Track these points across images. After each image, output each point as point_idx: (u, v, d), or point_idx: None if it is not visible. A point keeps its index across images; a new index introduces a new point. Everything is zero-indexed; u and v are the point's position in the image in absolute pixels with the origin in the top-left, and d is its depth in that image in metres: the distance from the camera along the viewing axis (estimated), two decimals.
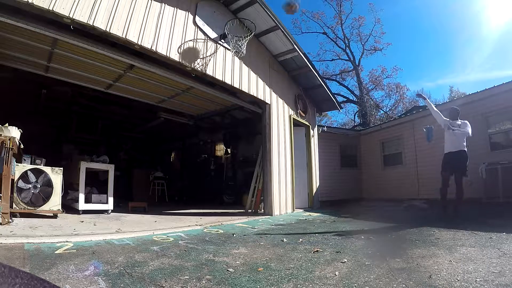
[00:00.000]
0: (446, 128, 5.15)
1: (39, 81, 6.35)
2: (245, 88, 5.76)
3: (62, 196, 4.26)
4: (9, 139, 3.37)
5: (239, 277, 1.84)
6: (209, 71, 4.98)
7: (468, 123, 5.17)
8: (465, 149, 4.95)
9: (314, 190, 7.82)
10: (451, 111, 5.45)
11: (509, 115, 6.99)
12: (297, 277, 1.82)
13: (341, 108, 10.05)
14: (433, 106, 5.54)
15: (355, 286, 1.65)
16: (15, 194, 3.72)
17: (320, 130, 8.89)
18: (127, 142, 11.72)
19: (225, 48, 5.33)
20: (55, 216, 4.18)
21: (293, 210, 6.60)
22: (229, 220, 4.90)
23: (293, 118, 7.18)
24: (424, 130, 8.31)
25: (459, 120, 5.21)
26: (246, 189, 7.17)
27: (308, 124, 7.95)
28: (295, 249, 2.68)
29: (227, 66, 5.39)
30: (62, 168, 4.31)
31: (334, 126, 22.13)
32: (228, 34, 5.04)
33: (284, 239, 3.18)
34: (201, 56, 4.86)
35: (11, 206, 3.57)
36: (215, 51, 5.15)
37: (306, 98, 8.03)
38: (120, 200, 6.58)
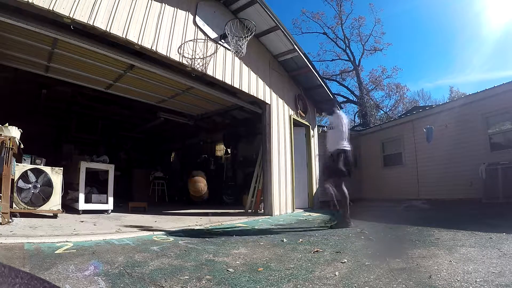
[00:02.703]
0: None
1: (39, 81, 6.35)
2: (245, 88, 5.76)
3: (62, 196, 4.26)
4: (9, 139, 3.37)
5: (239, 277, 1.84)
6: (209, 71, 4.98)
7: (340, 114, 4.22)
8: (341, 147, 3.99)
9: (314, 190, 7.81)
10: (325, 104, 4.63)
11: (509, 115, 6.99)
12: (297, 277, 1.82)
13: (341, 108, 10.04)
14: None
15: (355, 286, 1.65)
16: (15, 194, 3.72)
17: (320, 130, 8.88)
18: (127, 142, 11.72)
19: (225, 48, 5.33)
20: (55, 216, 4.17)
21: (293, 210, 6.60)
22: (229, 220, 4.90)
23: (293, 118, 7.18)
24: (425, 130, 8.29)
25: (335, 112, 4.32)
26: (246, 189, 7.17)
27: (308, 124, 7.94)
28: (295, 249, 2.68)
29: (227, 66, 5.39)
30: (62, 168, 4.31)
31: None
32: (228, 34, 5.03)
33: (284, 239, 3.18)
34: (201, 56, 4.86)
35: (11, 206, 3.57)
36: (215, 51, 5.15)
37: (306, 98, 8.02)
38: (120, 200, 6.58)
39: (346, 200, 3.89)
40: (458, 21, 32.57)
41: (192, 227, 4.08)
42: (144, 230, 3.67)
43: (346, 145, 4.01)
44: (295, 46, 6.36)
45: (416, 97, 26.08)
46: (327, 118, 4.25)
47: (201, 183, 4.26)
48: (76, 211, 4.91)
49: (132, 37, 3.85)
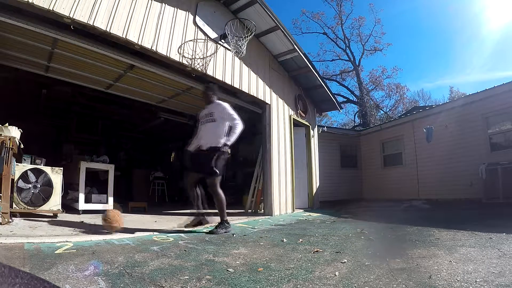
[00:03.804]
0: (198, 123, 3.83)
1: (39, 81, 6.34)
2: (245, 88, 5.76)
3: (62, 196, 4.26)
4: (9, 139, 3.37)
5: (239, 277, 1.84)
6: (209, 71, 4.98)
7: (225, 106, 3.79)
8: (219, 145, 3.60)
9: (314, 190, 7.81)
10: (202, 91, 3.98)
11: (509, 115, 7.00)
12: (297, 277, 1.82)
13: (341, 108, 10.06)
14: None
15: (355, 286, 1.65)
16: (15, 194, 3.72)
17: (320, 130, 8.89)
18: (127, 142, 11.72)
19: (225, 48, 5.33)
20: (55, 216, 4.17)
21: (293, 210, 6.60)
22: (229, 220, 4.88)
23: (293, 118, 7.18)
24: (425, 130, 8.29)
25: (216, 102, 3.89)
26: (246, 189, 7.17)
27: (308, 124, 7.94)
28: (295, 249, 2.68)
29: (227, 66, 5.39)
30: (62, 168, 4.31)
31: (334, 126, 22.22)
32: (228, 34, 5.04)
33: (284, 239, 3.18)
34: (201, 56, 4.86)
35: (11, 206, 3.57)
36: (215, 51, 5.15)
37: (306, 98, 8.03)
38: (120, 200, 6.58)
39: (222, 204, 3.63)
40: (458, 21, 32.64)
41: (192, 227, 4.07)
42: (144, 230, 3.67)
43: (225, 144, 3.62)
44: (295, 46, 6.36)
45: (416, 97, 26.20)
46: (202, 111, 3.82)
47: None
48: (76, 211, 4.91)
49: (132, 37, 3.85)
